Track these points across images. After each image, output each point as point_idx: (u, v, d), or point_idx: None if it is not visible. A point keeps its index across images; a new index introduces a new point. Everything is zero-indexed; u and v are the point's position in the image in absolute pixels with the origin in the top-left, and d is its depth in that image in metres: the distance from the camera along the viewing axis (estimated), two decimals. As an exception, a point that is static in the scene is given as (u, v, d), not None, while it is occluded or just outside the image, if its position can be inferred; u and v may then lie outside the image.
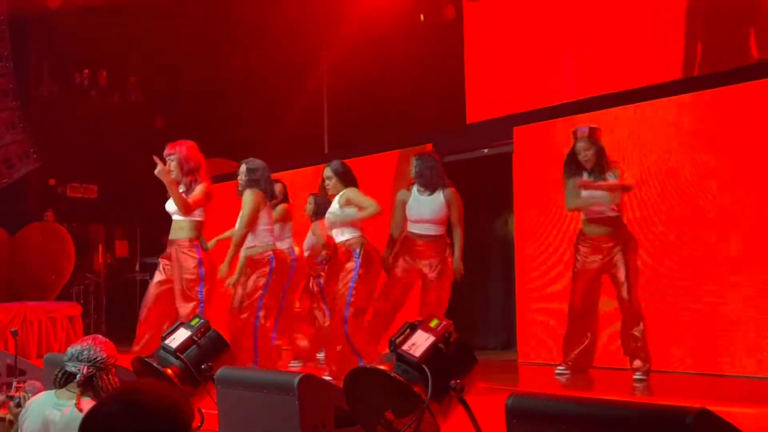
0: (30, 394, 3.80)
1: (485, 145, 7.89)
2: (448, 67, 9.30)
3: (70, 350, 3.02)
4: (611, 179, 5.56)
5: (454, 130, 8.79)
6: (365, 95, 10.40)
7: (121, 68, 12.79)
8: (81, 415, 2.74)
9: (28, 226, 10.88)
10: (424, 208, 5.89)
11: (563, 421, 2.17)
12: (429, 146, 8.10)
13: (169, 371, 3.72)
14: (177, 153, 5.72)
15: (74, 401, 2.91)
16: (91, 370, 2.94)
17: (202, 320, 3.88)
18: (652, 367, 5.70)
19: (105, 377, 2.97)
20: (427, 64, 9.58)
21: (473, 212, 7.34)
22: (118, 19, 11.52)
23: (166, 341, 3.80)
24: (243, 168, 6.01)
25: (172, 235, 5.71)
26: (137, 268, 12.07)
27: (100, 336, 3.13)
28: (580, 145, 5.63)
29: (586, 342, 5.85)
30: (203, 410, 3.83)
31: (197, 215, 5.68)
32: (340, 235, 5.89)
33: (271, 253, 5.85)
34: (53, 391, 3.03)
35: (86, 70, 12.65)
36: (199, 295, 5.51)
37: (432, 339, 2.89)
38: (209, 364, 3.73)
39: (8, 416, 3.99)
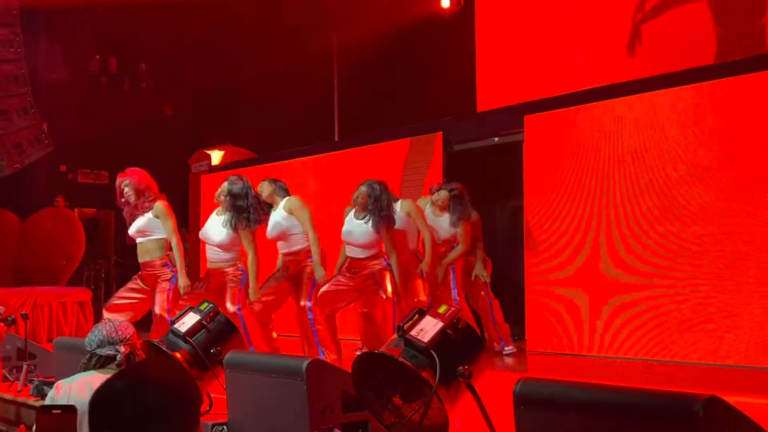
0: None
1: (495, 134, 7.86)
2: (459, 55, 9.27)
3: (97, 336, 3.09)
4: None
5: (464, 118, 8.76)
6: (376, 83, 10.38)
7: (132, 55, 12.80)
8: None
9: (38, 211, 10.92)
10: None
11: (571, 407, 2.16)
12: (439, 134, 8.09)
13: (179, 355, 3.73)
14: (129, 178, 5.93)
15: None
16: (128, 348, 3.05)
17: (211, 305, 3.89)
18: (660, 357, 5.70)
19: (139, 354, 3.11)
20: (437, 52, 9.55)
21: (483, 201, 7.32)
22: (128, 6, 11.52)
23: (176, 325, 3.82)
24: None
25: (141, 258, 5.92)
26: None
27: (113, 319, 3.21)
28: None
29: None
30: (212, 394, 3.84)
31: (158, 233, 5.83)
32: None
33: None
34: (92, 370, 3.06)
35: (97, 57, 12.66)
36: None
37: (440, 325, 2.88)
38: (218, 348, 3.74)
39: None
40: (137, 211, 5.89)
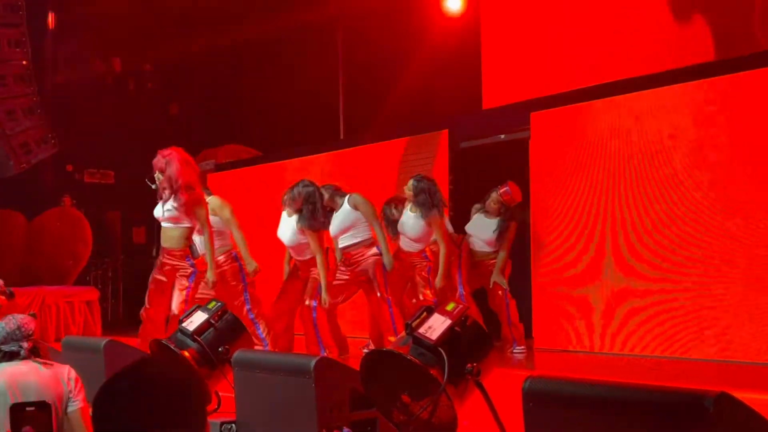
0: None
1: (502, 131, 7.84)
2: (464, 52, 9.25)
3: (0, 333, 3.24)
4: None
5: (470, 115, 8.74)
6: (381, 81, 10.37)
7: (137, 55, 12.81)
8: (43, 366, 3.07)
9: (45, 211, 10.95)
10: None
11: (580, 404, 2.16)
12: (445, 132, 8.08)
13: (187, 354, 3.74)
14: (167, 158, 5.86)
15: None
16: (31, 343, 3.22)
17: (219, 303, 3.90)
18: (669, 354, 5.70)
19: (40, 345, 3.29)
20: (443, 49, 9.53)
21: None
22: (134, 5, 11.55)
23: (184, 324, 3.82)
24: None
25: (163, 243, 5.84)
26: (154, 253, 12.11)
27: (16, 314, 3.39)
28: None
29: None
30: (220, 393, 3.85)
31: (186, 222, 5.72)
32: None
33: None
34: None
35: (102, 57, 12.67)
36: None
37: (448, 322, 2.88)
38: (226, 347, 3.74)
39: None
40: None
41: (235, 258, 6.04)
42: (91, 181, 12.32)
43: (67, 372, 3.18)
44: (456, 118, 8.51)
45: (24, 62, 10.34)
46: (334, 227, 6.16)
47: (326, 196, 6.16)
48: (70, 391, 3.13)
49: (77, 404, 3.09)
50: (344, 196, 6.22)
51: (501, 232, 6.57)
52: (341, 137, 10.91)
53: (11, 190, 10.72)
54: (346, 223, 6.12)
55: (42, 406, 1.81)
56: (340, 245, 6.22)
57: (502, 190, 6.59)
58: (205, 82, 12.92)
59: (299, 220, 6.02)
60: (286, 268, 6.37)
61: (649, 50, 7.54)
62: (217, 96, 12.76)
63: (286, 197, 6.13)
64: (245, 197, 6.38)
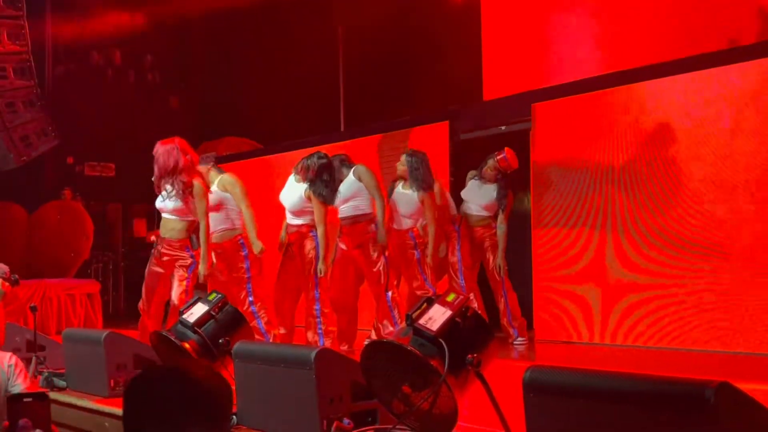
0: None
1: (503, 122, 7.83)
2: (465, 43, 9.23)
3: None
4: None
5: (471, 106, 8.72)
6: (382, 72, 10.35)
7: (138, 47, 12.80)
8: None
9: (45, 204, 10.95)
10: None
11: (581, 395, 2.15)
12: (446, 123, 8.07)
13: (187, 345, 3.74)
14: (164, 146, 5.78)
15: None
16: None
17: (219, 295, 3.89)
18: (670, 345, 5.68)
19: None
20: (444, 39, 9.51)
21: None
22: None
23: (184, 315, 3.82)
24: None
25: (163, 234, 5.76)
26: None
27: None
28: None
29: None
30: (221, 384, 3.85)
31: (191, 215, 5.69)
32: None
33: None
34: None
35: (102, 50, 12.65)
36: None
37: (449, 313, 2.87)
38: (226, 338, 3.74)
39: None
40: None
41: (242, 246, 6.05)
42: (91, 173, 12.32)
43: (7, 359, 3.16)
44: (456, 109, 8.49)
45: (24, 55, 10.32)
46: (337, 197, 6.23)
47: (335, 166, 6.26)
48: (8, 378, 3.12)
49: (19, 387, 3.08)
50: (351, 166, 6.30)
51: (500, 198, 6.63)
52: (341, 129, 10.89)
53: (12, 183, 10.72)
54: (347, 193, 6.18)
55: (40, 398, 1.79)
56: (340, 215, 6.31)
57: (499, 157, 6.66)
58: (205, 74, 12.90)
59: (310, 187, 6.09)
60: (283, 234, 6.38)
61: (651, 41, 7.52)
62: (217, 88, 12.74)
63: (300, 165, 6.19)
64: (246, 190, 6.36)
